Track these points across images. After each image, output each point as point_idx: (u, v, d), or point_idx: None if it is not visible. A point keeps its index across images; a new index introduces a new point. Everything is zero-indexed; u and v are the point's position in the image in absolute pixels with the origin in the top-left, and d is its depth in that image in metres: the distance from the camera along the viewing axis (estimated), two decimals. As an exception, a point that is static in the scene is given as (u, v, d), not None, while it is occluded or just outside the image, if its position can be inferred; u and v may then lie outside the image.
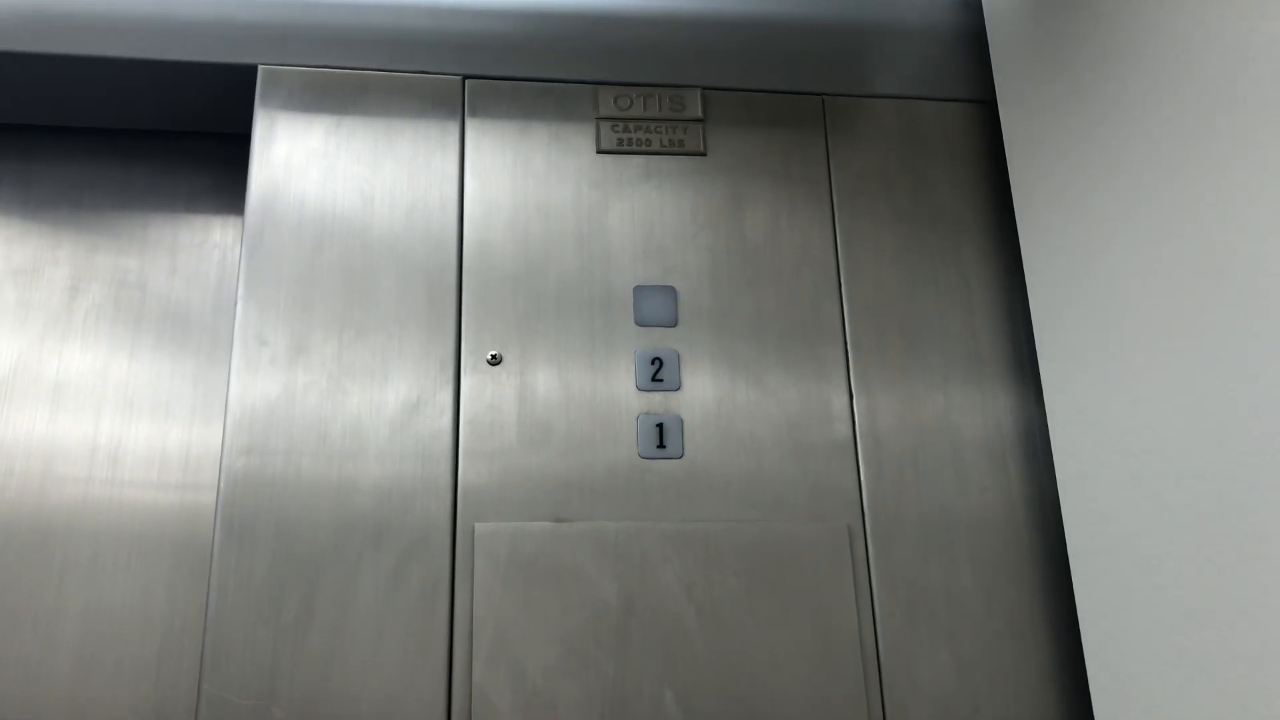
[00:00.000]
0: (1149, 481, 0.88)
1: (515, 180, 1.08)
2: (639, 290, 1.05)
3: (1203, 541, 0.82)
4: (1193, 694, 0.82)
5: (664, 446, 1.00)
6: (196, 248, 1.19)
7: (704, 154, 1.11)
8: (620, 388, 1.02)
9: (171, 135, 1.22)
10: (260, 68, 1.08)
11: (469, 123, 1.09)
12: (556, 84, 1.12)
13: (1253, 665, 0.77)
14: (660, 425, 1.01)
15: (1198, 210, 0.84)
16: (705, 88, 1.14)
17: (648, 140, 1.11)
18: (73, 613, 1.05)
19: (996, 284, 1.11)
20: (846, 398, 1.05)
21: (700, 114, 1.12)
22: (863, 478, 1.02)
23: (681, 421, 1.01)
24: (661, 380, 1.02)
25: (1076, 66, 1.01)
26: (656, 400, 1.02)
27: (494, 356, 1.01)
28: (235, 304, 1.00)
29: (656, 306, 1.05)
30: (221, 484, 0.94)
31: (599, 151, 1.10)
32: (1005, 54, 1.13)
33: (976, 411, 1.06)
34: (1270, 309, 0.77)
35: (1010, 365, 1.08)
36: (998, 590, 1.00)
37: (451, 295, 1.02)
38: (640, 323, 1.04)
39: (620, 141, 1.11)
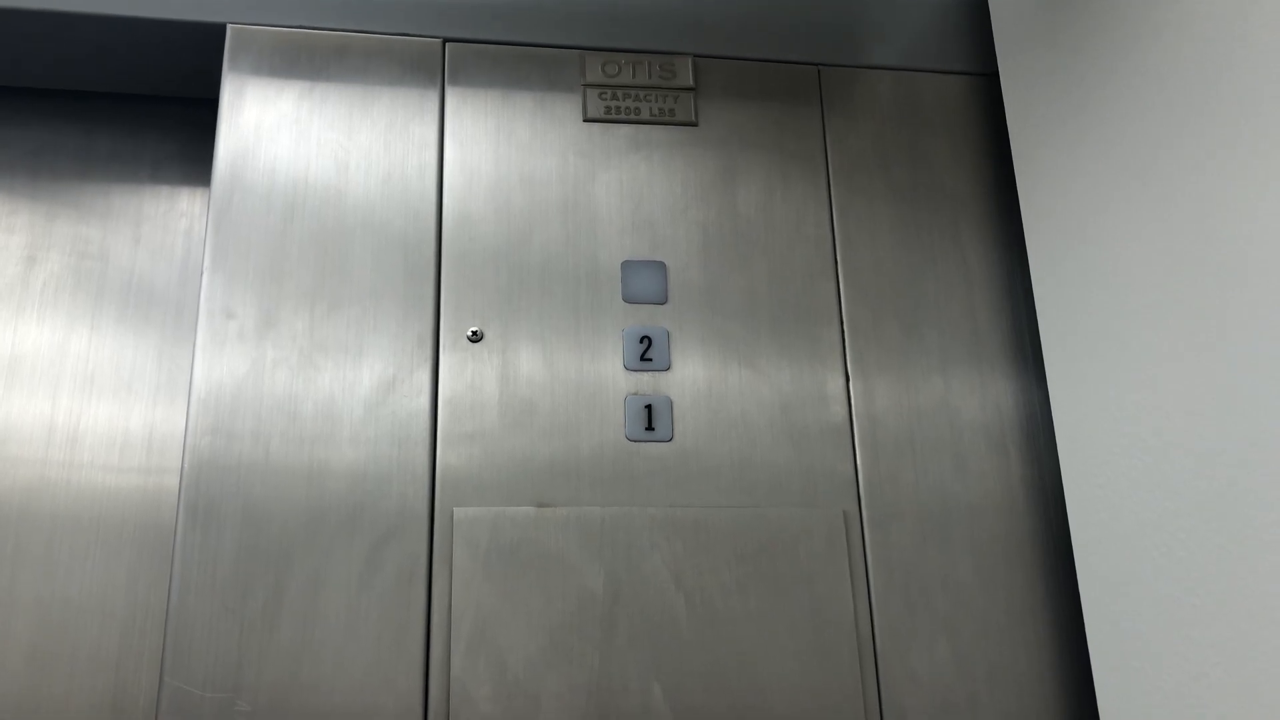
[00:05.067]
0: (1155, 466, 0.86)
1: (498, 149, 1.03)
2: (627, 265, 1.01)
3: (1210, 528, 0.80)
4: (1199, 684, 0.80)
5: (653, 429, 0.96)
6: (161, 217, 1.14)
7: (695, 124, 1.07)
8: (607, 367, 0.97)
9: (135, 99, 1.16)
10: (229, 27, 1.03)
11: (449, 88, 1.04)
12: (542, 48, 1.07)
13: (1262, 654, 0.75)
14: (649, 406, 0.96)
15: (1205, 187, 0.82)
16: (697, 55, 1.10)
17: (637, 109, 1.06)
18: (26, 602, 1.00)
19: (997, 263, 1.08)
20: (842, 379, 1.01)
21: (691, 82, 1.08)
22: (859, 462, 0.98)
23: (671, 403, 0.97)
24: (650, 360, 0.98)
25: (1081, 39, 0.98)
26: (645, 380, 0.98)
27: (474, 333, 0.96)
28: (201, 276, 0.94)
29: (645, 282, 1.00)
30: (185, 466, 0.89)
31: (586, 120, 1.05)
32: (1008, 25, 1.10)
33: (976, 394, 1.03)
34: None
35: (1011, 347, 1.05)
36: (998, 578, 0.97)
37: (430, 268, 0.98)
38: (628, 299, 1.00)
39: (608, 110, 1.06)
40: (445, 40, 1.06)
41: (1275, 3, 0.77)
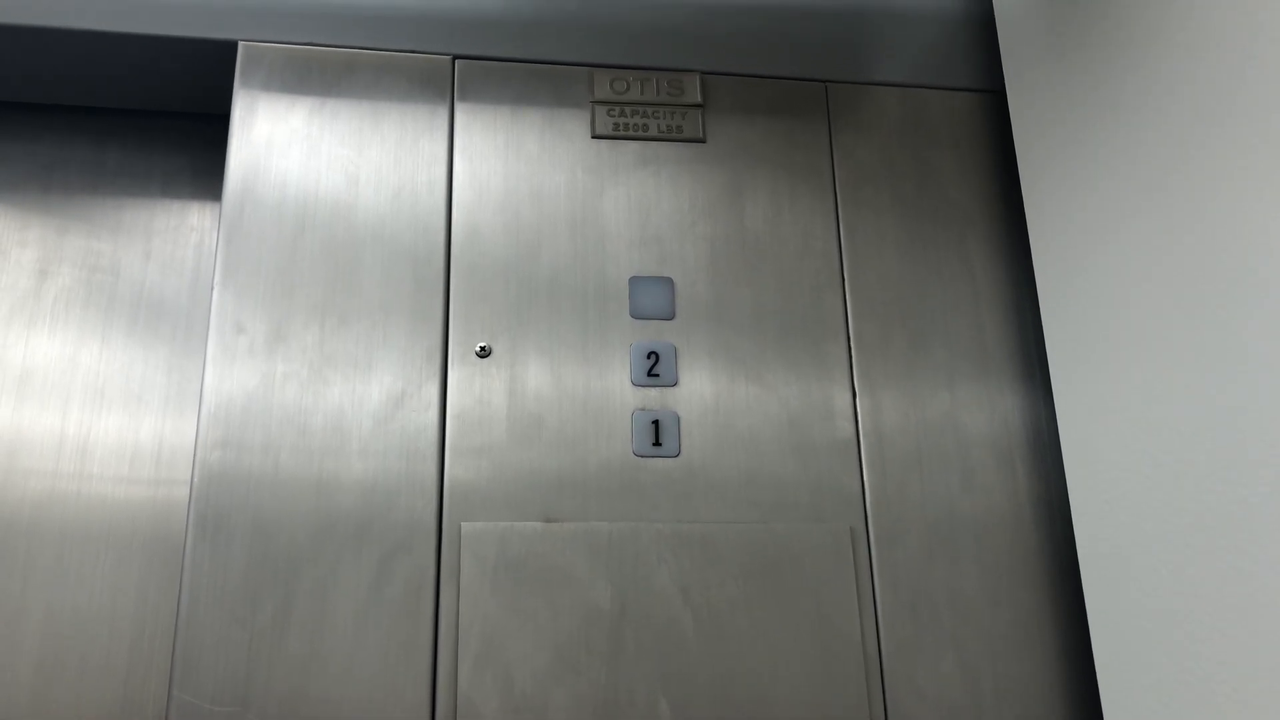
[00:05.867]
0: (1162, 481, 0.85)
1: (507, 164, 1.04)
2: (635, 281, 1.01)
3: (1217, 543, 0.80)
4: (1206, 701, 0.80)
5: (660, 444, 0.96)
6: (172, 232, 1.14)
7: (703, 140, 1.08)
8: (615, 382, 0.98)
9: (147, 114, 1.17)
10: (241, 44, 1.04)
11: (459, 104, 1.05)
12: (550, 65, 1.08)
13: (1268, 672, 0.75)
14: (656, 422, 0.97)
15: (1212, 203, 0.82)
16: (705, 72, 1.10)
17: (645, 125, 1.07)
18: (36, 613, 1.00)
19: (1004, 278, 1.08)
20: (849, 394, 1.01)
21: (699, 99, 1.09)
22: (866, 477, 0.98)
23: (678, 418, 0.97)
24: (658, 375, 0.98)
25: (1088, 55, 0.98)
26: (652, 396, 0.98)
27: (483, 348, 0.97)
28: (211, 290, 0.95)
29: (653, 298, 1.01)
30: (195, 479, 0.89)
31: (594, 136, 1.06)
32: (1014, 42, 1.11)
33: (983, 409, 1.03)
34: (1298, 304, 0.75)
35: (1018, 362, 1.05)
36: (1005, 594, 0.97)
37: (439, 282, 0.98)
38: (636, 315, 1.00)
39: (616, 126, 1.07)
40: (455, 57, 1.07)
41: (1281, 22, 0.78)
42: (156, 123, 1.17)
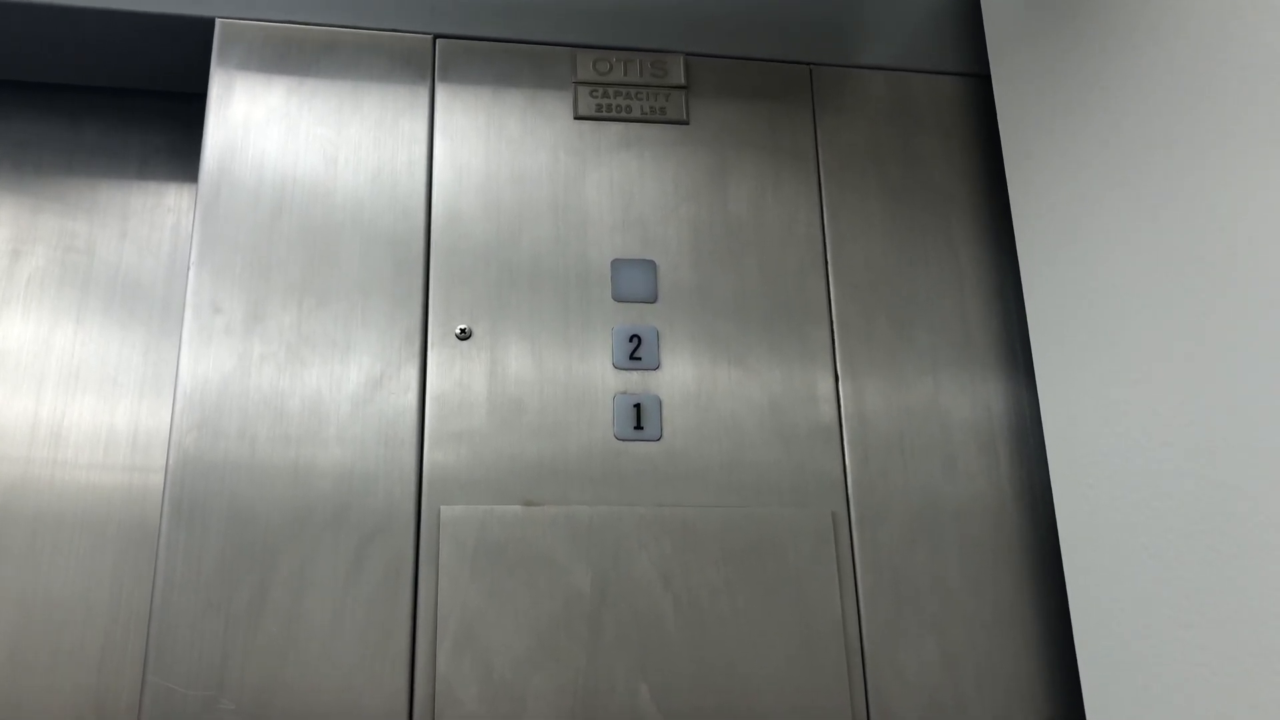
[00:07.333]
0: (1143, 467, 0.85)
1: (488, 145, 1.02)
2: (617, 264, 1.00)
3: (1199, 530, 0.80)
4: (1186, 687, 0.80)
5: (641, 428, 0.95)
6: (149, 212, 1.13)
7: (686, 122, 1.07)
8: (596, 366, 0.97)
9: (123, 93, 1.15)
10: (218, 21, 1.02)
11: (439, 85, 1.04)
12: (533, 45, 1.07)
13: (1247, 657, 0.75)
14: (638, 405, 0.96)
15: (1196, 188, 0.82)
16: (689, 53, 1.09)
17: (628, 107, 1.06)
18: (8, 600, 0.99)
19: (988, 264, 1.07)
20: (832, 379, 1.01)
21: (683, 80, 1.08)
22: (848, 462, 0.98)
23: (660, 402, 0.97)
24: (639, 359, 0.98)
25: (1072, 40, 0.98)
26: (634, 379, 0.97)
27: (463, 330, 0.96)
28: (188, 270, 0.94)
29: (635, 281, 1.00)
30: (170, 463, 0.88)
31: (576, 117, 1.05)
32: (999, 26, 1.10)
33: (966, 395, 1.02)
34: (1271, 291, 0.74)
35: (1001, 348, 1.05)
36: (986, 579, 0.97)
37: (419, 264, 0.97)
38: (618, 298, 0.99)
39: (599, 107, 1.06)
40: (436, 36, 1.05)
41: (1267, 4, 0.77)
42: (134, 101, 1.16)
